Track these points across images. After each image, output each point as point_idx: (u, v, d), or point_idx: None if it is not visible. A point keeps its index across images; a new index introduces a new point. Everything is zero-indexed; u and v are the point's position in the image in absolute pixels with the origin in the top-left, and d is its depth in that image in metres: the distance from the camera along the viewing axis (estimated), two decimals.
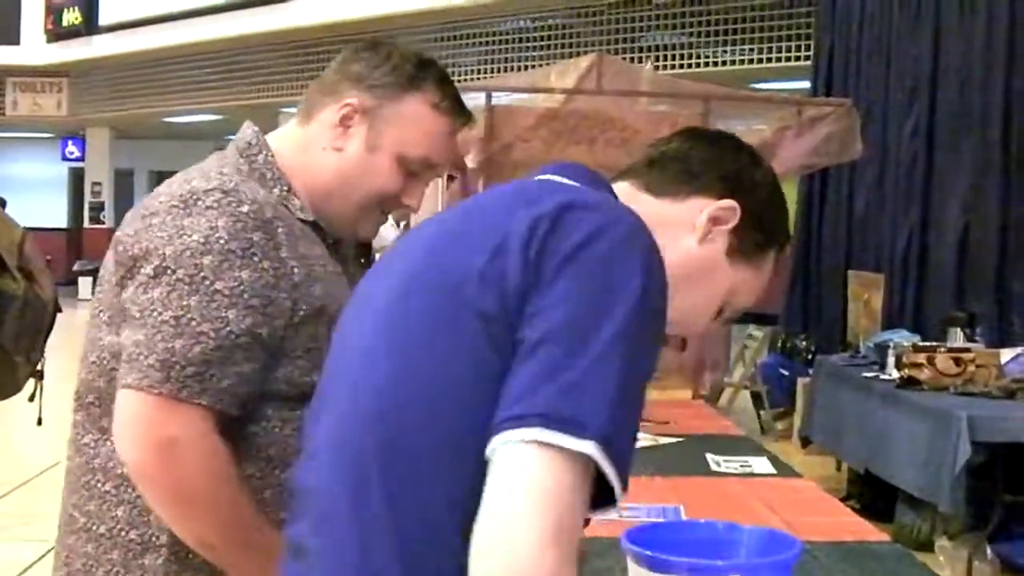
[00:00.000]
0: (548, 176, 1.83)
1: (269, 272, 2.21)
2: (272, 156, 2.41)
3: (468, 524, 1.48)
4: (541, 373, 1.50)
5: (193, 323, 2.15)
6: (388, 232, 22.13)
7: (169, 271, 2.18)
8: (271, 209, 2.26)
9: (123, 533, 2.27)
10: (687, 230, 1.89)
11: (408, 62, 2.44)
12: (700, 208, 1.89)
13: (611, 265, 1.57)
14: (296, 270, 2.26)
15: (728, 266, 1.92)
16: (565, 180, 1.80)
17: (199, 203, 2.22)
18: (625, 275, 1.56)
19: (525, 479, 1.46)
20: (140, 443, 2.17)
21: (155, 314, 2.17)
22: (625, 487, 1.52)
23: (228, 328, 2.16)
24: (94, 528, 2.30)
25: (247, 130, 2.44)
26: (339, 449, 1.66)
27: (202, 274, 2.17)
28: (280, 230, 2.25)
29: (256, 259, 2.20)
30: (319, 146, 2.43)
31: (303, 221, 2.36)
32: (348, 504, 1.61)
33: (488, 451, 1.49)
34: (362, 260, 3.35)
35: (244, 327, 2.17)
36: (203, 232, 2.19)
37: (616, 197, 1.85)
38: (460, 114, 2.48)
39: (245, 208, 2.22)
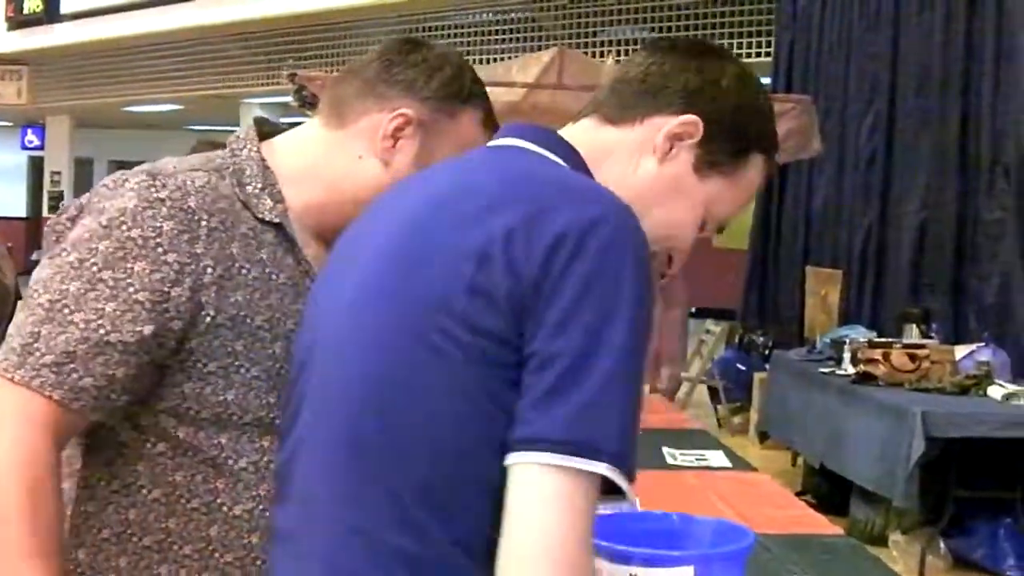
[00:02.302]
0: (518, 143, 1.86)
1: (172, 266, 1.98)
2: (256, 151, 2.18)
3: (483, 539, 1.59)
4: (553, 392, 1.56)
5: (66, 310, 1.94)
6: None
7: (64, 253, 1.99)
8: (200, 199, 2.04)
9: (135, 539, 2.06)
10: (648, 151, 1.86)
11: (463, 74, 2.26)
12: (659, 127, 1.86)
13: (608, 274, 1.59)
14: (210, 269, 2.01)
15: (697, 180, 1.88)
16: (536, 148, 1.84)
17: (125, 184, 2.04)
18: (623, 283, 1.59)
19: (542, 501, 1.56)
20: None
21: (35, 295, 1.97)
22: (633, 482, 1.62)
23: (100, 322, 1.94)
24: None
25: (245, 125, 2.28)
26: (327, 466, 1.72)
27: (92, 260, 1.96)
28: (204, 223, 2.03)
29: (159, 251, 1.98)
30: (354, 153, 2.20)
31: (264, 222, 2.11)
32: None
33: (505, 462, 1.58)
34: None
35: (122, 324, 1.95)
36: (111, 215, 2.00)
37: (580, 161, 1.85)
38: (493, 129, 2.23)
39: (163, 194, 2.01)
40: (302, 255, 2.14)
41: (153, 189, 2.01)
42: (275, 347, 2.05)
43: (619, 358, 1.58)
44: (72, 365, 1.92)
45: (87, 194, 2.11)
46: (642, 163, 1.86)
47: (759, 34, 14.53)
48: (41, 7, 24.71)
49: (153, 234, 1.98)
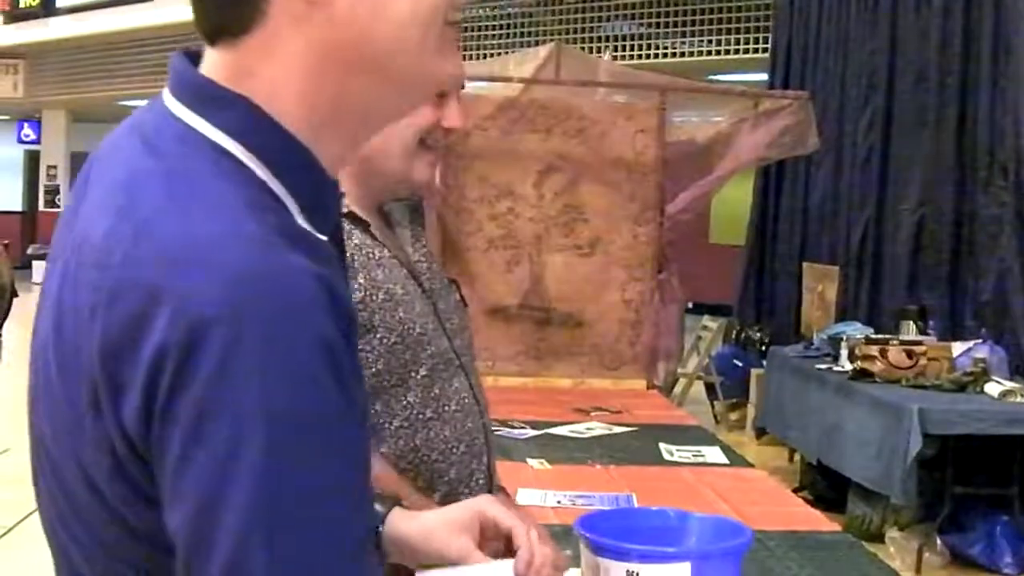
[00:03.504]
0: (179, 112, 1.31)
1: None
2: None
3: None
4: None
5: None
6: None
7: None
8: None
9: None
10: (305, 23, 1.27)
11: None
12: None
13: (225, 404, 1.10)
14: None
15: None
16: (200, 122, 1.27)
17: None
18: (245, 415, 1.09)
19: None
20: None
21: None
22: None
23: None
24: None
25: None
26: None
27: None
28: None
29: None
30: None
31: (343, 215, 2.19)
32: None
33: None
34: None
35: None
36: None
37: (256, 116, 1.27)
38: None
39: None
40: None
41: None
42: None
43: (247, 528, 1.08)
44: None
45: None
46: (311, 41, 1.28)
47: (756, 30, 14.51)
48: (38, 1, 24.67)
49: None
